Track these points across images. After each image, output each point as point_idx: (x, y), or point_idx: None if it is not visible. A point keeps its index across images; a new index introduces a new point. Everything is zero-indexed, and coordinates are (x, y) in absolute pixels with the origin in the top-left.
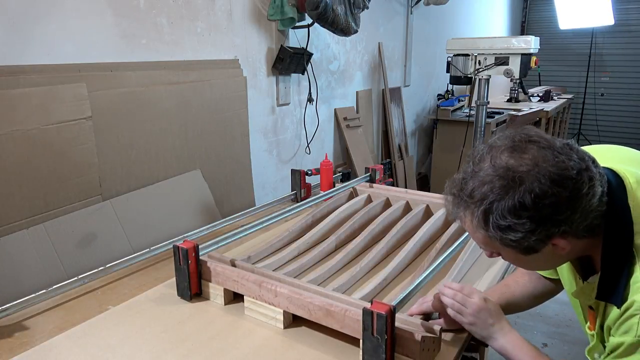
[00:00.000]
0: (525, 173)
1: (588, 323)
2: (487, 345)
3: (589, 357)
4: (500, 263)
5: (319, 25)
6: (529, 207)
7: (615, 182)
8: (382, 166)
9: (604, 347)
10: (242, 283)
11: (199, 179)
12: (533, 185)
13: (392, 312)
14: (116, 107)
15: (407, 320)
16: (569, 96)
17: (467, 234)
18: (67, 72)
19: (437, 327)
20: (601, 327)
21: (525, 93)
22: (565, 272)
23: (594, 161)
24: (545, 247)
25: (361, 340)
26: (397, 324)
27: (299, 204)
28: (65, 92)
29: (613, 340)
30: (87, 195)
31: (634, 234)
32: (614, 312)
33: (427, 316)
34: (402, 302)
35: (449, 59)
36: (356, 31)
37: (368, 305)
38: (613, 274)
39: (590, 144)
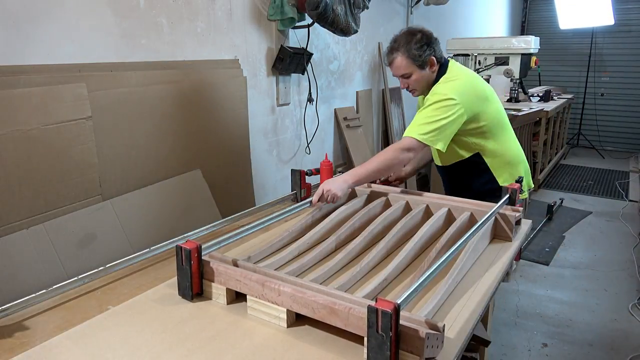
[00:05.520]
0: (415, 29)
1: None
2: (487, 345)
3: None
4: (500, 263)
5: (319, 25)
6: (424, 38)
7: (447, 59)
8: None
9: None
10: (244, 282)
11: (199, 179)
12: (423, 32)
13: (397, 309)
14: (116, 107)
15: (411, 318)
16: (569, 96)
17: (467, 234)
18: (67, 72)
19: (440, 324)
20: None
21: (525, 93)
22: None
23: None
24: (427, 65)
25: (366, 338)
26: (401, 321)
27: (299, 204)
28: (65, 92)
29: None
30: (87, 195)
31: (443, 74)
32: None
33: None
34: (406, 300)
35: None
36: (356, 31)
37: (372, 303)
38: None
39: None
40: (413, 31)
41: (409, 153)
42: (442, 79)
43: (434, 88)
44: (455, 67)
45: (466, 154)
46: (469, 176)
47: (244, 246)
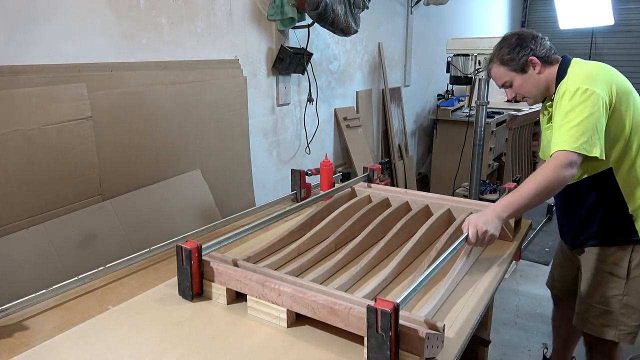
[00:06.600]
0: (511, 33)
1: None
2: (487, 345)
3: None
4: (500, 263)
5: (319, 25)
6: (517, 39)
7: (569, 56)
8: (380, 166)
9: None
10: (245, 282)
11: (199, 179)
12: (518, 33)
13: (396, 309)
14: (116, 107)
15: (411, 318)
16: None
17: (467, 233)
18: (67, 72)
19: (440, 324)
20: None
21: None
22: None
23: (549, 41)
24: (529, 67)
25: (366, 338)
26: (400, 321)
27: (299, 204)
28: (65, 92)
29: (555, 105)
30: (87, 195)
31: (568, 70)
32: (555, 99)
33: None
34: (405, 299)
35: (449, 59)
36: (356, 31)
37: (372, 303)
38: (557, 84)
39: None
40: (507, 35)
41: (572, 169)
42: (567, 75)
43: (559, 87)
44: (580, 61)
45: (593, 169)
46: (590, 201)
47: (244, 246)
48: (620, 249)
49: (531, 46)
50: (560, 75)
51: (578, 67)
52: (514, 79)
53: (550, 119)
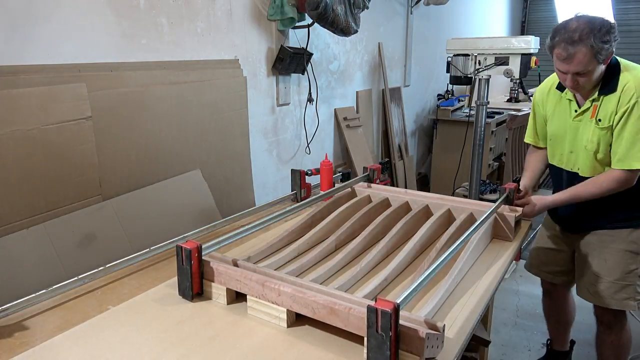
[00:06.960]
0: (596, 19)
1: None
2: (487, 345)
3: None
4: (500, 263)
5: (319, 25)
6: (610, 30)
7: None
8: (380, 166)
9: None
10: (245, 282)
11: (199, 179)
12: (603, 20)
13: (396, 309)
14: (116, 107)
15: (411, 318)
16: None
17: (467, 233)
18: (67, 72)
19: (440, 324)
20: (597, 119)
21: (525, 93)
22: (556, 119)
23: None
24: (604, 60)
25: (366, 338)
26: (400, 321)
27: (299, 204)
28: (65, 92)
29: (620, 110)
30: (87, 195)
31: (620, 71)
32: (611, 98)
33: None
34: (406, 300)
35: (449, 59)
36: (356, 31)
37: (372, 303)
38: (608, 81)
39: None
40: (593, 19)
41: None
42: (631, 76)
43: (626, 89)
44: (624, 61)
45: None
46: (616, 199)
47: (244, 246)
48: (635, 229)
49: (615, 38)
50: (612, 72)
51: (635, 70)
52: (594, 70)
53: (583, 112)
